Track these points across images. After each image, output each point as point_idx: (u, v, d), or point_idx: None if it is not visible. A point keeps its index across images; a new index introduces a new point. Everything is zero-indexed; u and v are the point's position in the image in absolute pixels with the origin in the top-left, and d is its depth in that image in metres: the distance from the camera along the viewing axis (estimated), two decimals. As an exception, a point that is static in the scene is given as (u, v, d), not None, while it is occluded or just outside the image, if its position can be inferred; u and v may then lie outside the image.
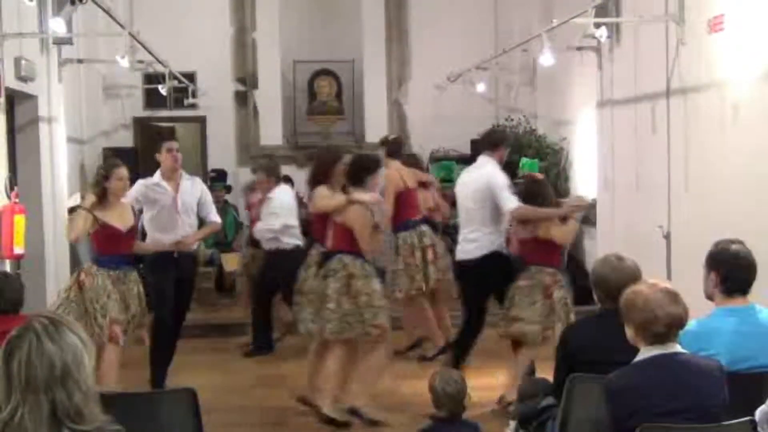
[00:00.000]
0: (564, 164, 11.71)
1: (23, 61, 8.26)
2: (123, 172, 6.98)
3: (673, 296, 3.59)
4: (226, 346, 9.48)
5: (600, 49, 10.11)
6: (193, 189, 7.89)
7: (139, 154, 12.39)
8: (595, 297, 4.53)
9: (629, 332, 3.68)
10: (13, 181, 7.81)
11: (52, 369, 2.47)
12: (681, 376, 3.55)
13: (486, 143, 7.71)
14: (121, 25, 8.33)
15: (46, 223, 9.08)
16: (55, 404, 2.46)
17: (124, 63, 8.46)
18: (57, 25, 7.99)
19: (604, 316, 4.42)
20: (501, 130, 9.23)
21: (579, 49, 10.41)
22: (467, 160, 12.54)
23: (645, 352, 3.61)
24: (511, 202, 7.11)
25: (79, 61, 10.63)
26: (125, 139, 13.11)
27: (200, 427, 4.11)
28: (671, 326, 3.56)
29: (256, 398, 7.40)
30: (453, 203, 11.79)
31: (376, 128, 13.71)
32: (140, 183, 7.80)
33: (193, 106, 12.75)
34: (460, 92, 13.19)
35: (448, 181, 12.57)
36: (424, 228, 8.87)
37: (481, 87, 12.99)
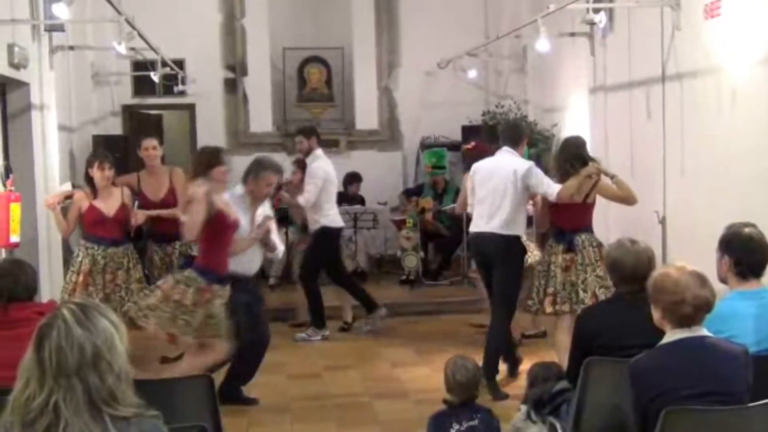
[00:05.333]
0: (555, 151, 11.70)
1: (16, 48, 8.19)
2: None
3: (702, 279, 3.60)
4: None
5: (593, 35, 10.14)
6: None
7: (129, 142, 12.29)
8: (610, 281, 4.54)
9: (656, 315, 3.68)
10: (9, 169, 7.76)
11: (82, 353, 2.48)
12: (707, 359, 3.56)
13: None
14: (119, 11, 8.25)
15: (39, 211, 9.00)
16: (89, 388, 2.47)
17: (122, 50, 8.38)
18: (60, 11, 7.91)
19: (620, 300, 4.45)
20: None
21: (572, 35, 10.42)
22: (458, 147, 12.58)
23: (671, 335, 3.62)
24: None
25: (71, 48, 10.54)
26: (114, 126, 13.02)
27: (217, 414, 4.12)
28: (698, 309, 3.56)
29: (258, 385, 7.39)
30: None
31: (366, 115, 13.74)
32: None
33: (182, 93, 12.67)
34: (451, 79, 13.21)
35: (440, 167, 12.60)
36: None
37: (471, 73, 13.00)
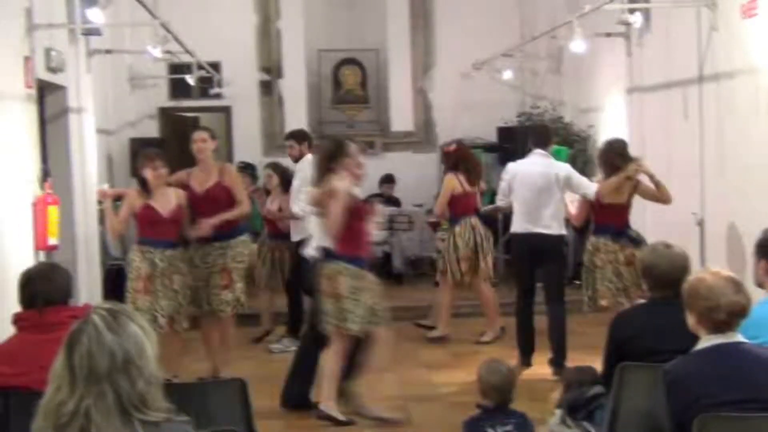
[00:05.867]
0: (591, 152, 11.64)
1: (53, 52, 8.27)
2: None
3: (737, 285, 3.55)
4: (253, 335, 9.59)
5: (629, 35, 10.07)
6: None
7: (166, 144, 12.38)
8: (644, 286, 4.50)
9: (691, 320, 3.64)
10: (46, 172, 7.83)
11: (113, 358, 2.49)
12: (742, 365, 3.51)
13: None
14: (153, 15, 8.32)
15: (77, 214, 9.09)
16: (119, 392, 2.48)
17: (157, 53, 8.44)
18: (95, 16, 7.99)
19: (654, 305, 4.40)
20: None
21: (608, 35, 10.35)
22: (494, 149, 12.55)
23: (706, 341, 3.57)
24: None
25: (108, 51, 10.63)
26: (151, 129, 13.13)
27: (250, 417, 4.12)
28: (733, 315, 3.52)
29: (279, 388, 7.38)
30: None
31: (401, 117, 13.75)
32: None
33: (218, 96, 12.74)
34: (486, 80, 13.16)
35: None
36: None
37: (507, 74, 12.96)
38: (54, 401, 2.50)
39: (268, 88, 13.62)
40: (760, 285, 4.31)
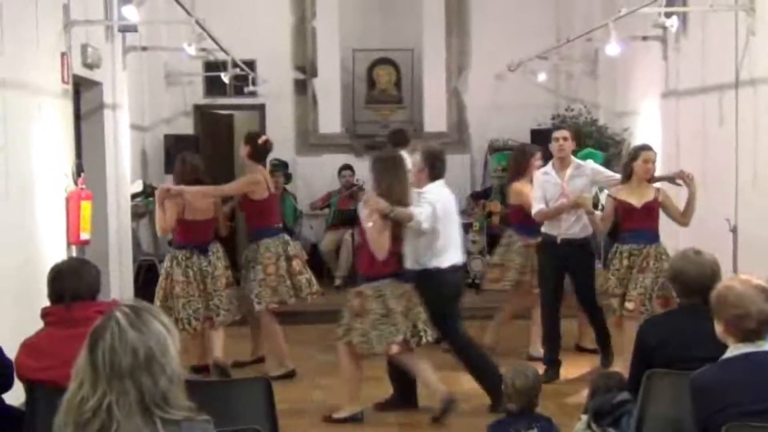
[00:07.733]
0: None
1: (89, 49, 8.34)
2: None
3: (767, 293, 3.51)
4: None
5: (666, 39, 9.99)
6: None
7: (200, 142, 12.45)
8: (673, 292, 4.45)
9: (719, 328, 3.60)
10: (80, 167, 7.89)
11: (135, 355, 2.50)
12: (771, 375, 3.48)
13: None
14: (189, 13, 8.37)
15: (110, 209, 9.16)
16: (141, 390, 2.49)
17: (191, 51, 8.49)
18: (129, 13, 8.05)
19: (683, 311, 4.36)
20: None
21: (644, 39, 10.27)
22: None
23: (734, 350, 3.54)
24: None
25: (144, 48, 10.69)
26: (186, 126, 13.18)
27: (275, 417, 4.12)
28: (763, 323, 3.48)
29: (320, 387, 7.41)
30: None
31: (435, 117, 13.69)
32: None
33: (252, 94, 12.75)
34: (520, 81, 13.11)
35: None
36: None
37: (541, 76, 12.90)
38: (76, 397, 2.51)
39: (302, 86, 13.63)
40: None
